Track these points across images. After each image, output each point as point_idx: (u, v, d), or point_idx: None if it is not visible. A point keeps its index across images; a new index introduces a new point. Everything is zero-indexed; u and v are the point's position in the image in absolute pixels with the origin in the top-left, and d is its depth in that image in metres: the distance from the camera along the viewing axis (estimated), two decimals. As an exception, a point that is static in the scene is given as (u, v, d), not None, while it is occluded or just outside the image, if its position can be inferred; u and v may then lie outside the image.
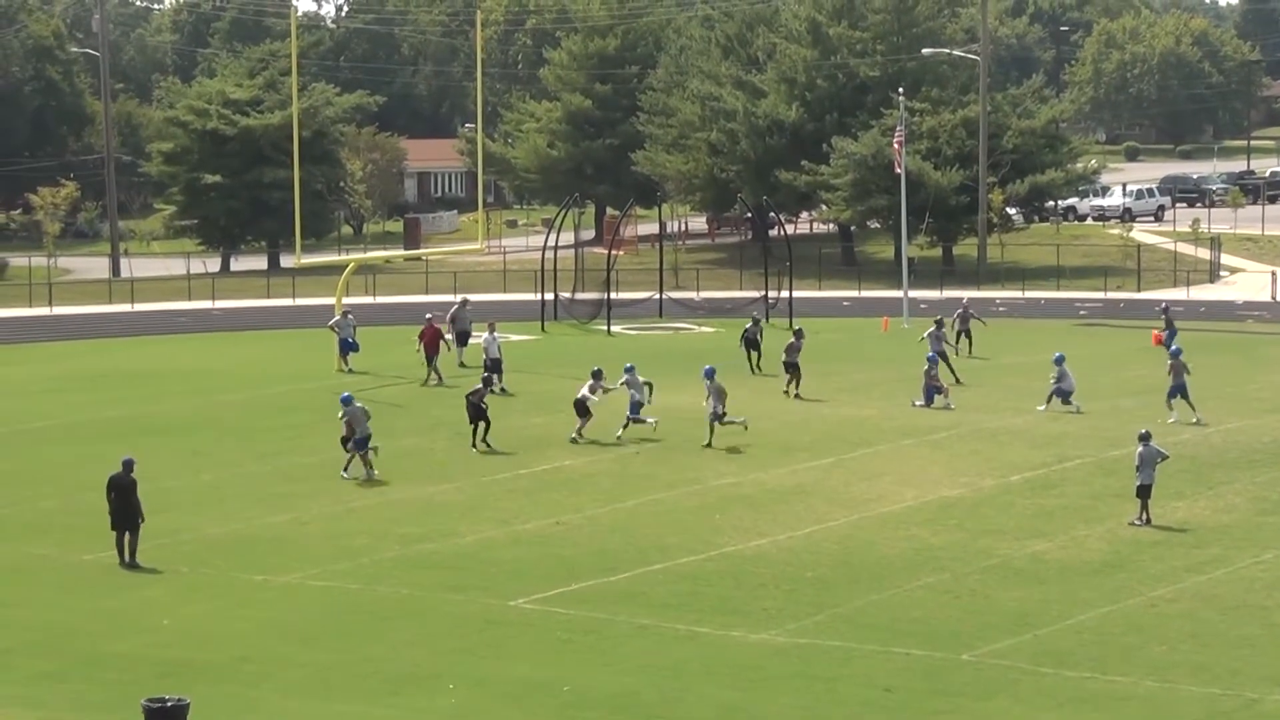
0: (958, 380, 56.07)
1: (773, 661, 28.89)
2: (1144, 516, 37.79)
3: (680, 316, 79.10)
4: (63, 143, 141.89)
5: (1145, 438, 38.30)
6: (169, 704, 23.20)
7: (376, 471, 43.06)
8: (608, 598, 32.67)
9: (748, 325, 61.41)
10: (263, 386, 58.54)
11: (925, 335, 57.76)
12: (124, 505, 35.36)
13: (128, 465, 35.86)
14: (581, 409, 47.87)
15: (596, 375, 48.79)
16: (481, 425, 46.69)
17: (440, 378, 57.83)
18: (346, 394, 44.55)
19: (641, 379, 48.96)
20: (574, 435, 47.67)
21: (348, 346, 61.23)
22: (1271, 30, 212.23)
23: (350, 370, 60.50)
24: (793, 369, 54.92)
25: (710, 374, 47.52)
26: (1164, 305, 65.84)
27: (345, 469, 43.25)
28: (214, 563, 35.50)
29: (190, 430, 50.64)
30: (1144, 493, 37.82)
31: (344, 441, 43.65)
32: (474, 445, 46.45)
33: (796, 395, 54.42)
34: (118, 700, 26.77)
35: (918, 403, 52.73)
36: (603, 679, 28.18)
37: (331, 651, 29.66)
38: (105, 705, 26.98)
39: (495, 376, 54.10)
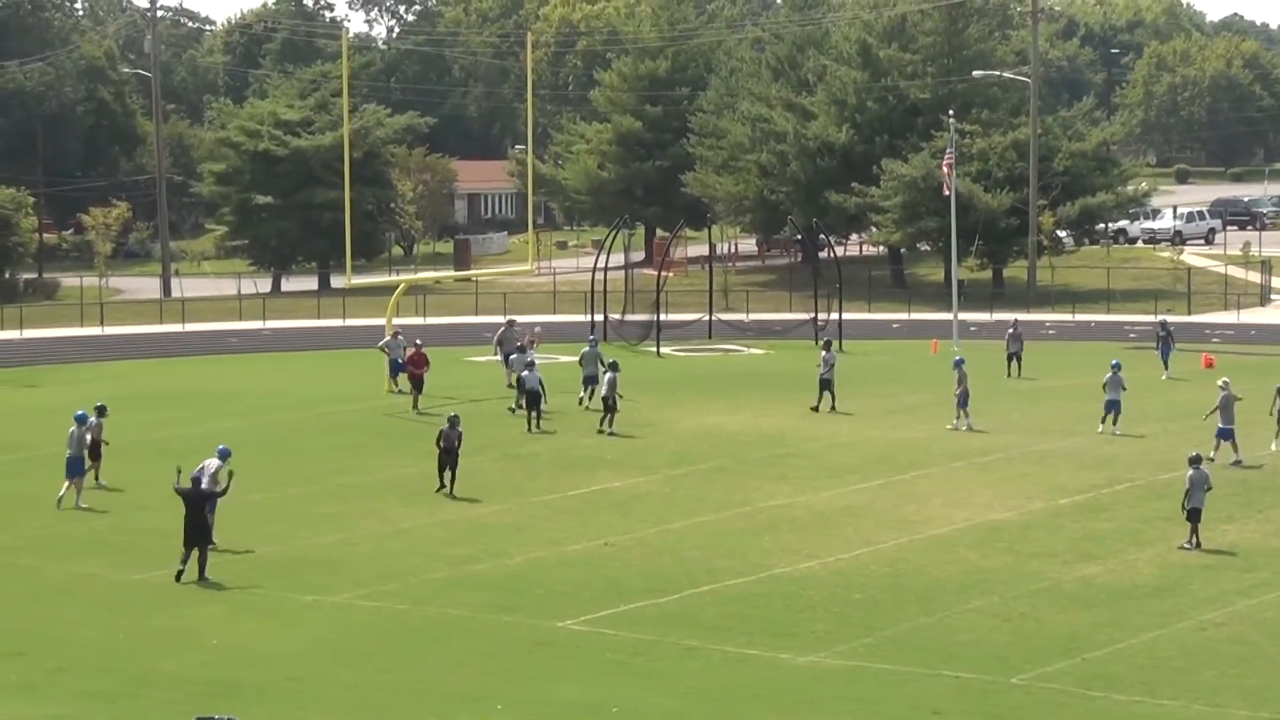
0: (834, 408, 55.62)
1: (821, 684, 28.82)
2: (1194, 540, 37.62)
3: (730, 338, 79.08)
4: (114, 163, 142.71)
5: (1195, 461, 38.13)
6: (218, 723, 23.36)
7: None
8: (656, 619, 32.63)
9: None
10: (312, 407, 58.67)
11: (821, 358, 56.69)
12: (193, 520, 35.47)
13: (195, 481, 36.03)
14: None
15: (614, 368, 53.12)
16: (449, 473, 43.90)
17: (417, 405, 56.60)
18: (82, 412, 43.87)
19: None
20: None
21: (398, 367, 61.24)
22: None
23: (400, 391, 60.52)
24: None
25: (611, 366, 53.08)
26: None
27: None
28: (263, 583, 35.57)
29: (240, 450, 50.36)
30: (1194, 516, 37.65)
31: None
32: (444, 488, 43.79)
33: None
34: None
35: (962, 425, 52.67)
36: (651, 700, 28.13)
37: (380, 672, 29.68)
38: (154, 724, 27.10)
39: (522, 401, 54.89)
